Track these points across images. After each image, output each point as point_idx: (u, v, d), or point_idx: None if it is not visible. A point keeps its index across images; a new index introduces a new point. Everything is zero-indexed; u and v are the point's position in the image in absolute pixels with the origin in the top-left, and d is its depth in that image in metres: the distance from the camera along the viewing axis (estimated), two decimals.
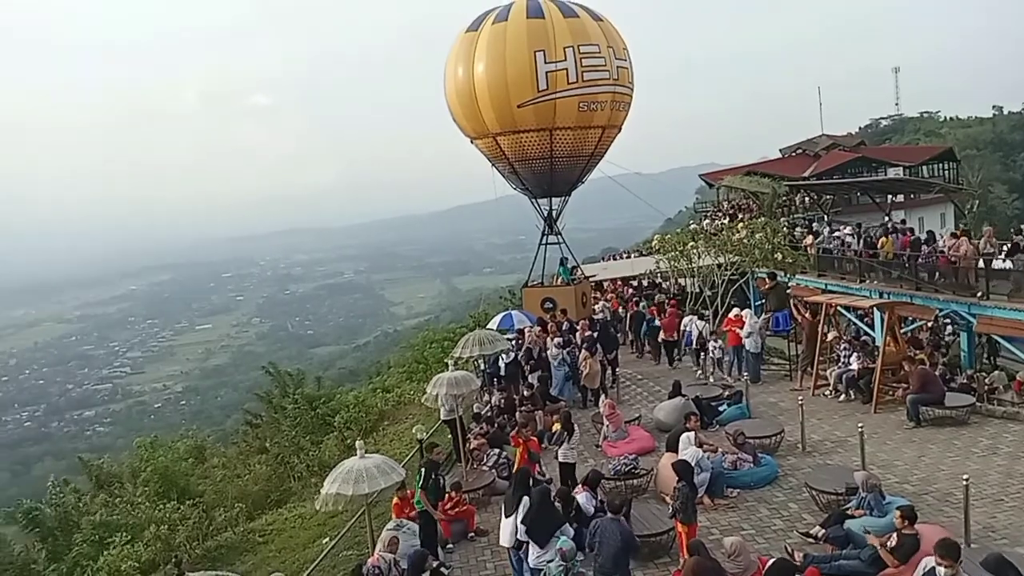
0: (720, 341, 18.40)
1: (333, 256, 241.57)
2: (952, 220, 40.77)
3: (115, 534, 17.64)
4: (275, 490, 22.04)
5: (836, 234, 25.91)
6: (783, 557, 8.19)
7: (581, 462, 12.94)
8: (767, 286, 21.92)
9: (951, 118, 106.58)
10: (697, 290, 25.53)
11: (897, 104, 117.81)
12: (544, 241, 25.45)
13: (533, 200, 25.29)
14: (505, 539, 9.95)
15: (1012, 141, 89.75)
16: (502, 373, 18.27)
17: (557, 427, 12.39)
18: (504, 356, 18.14)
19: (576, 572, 8.46)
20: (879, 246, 22.36)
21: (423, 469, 10.98)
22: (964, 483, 9.46)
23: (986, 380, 17.63)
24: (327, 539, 13.52)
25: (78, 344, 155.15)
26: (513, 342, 18.95)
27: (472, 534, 11.54)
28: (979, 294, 17.93)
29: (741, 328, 18.20)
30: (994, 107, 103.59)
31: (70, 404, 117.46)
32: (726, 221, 33.03)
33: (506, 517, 9.94)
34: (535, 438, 12.74)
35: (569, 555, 8.40)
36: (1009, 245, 18.61)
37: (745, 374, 17.28)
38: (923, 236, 21.71)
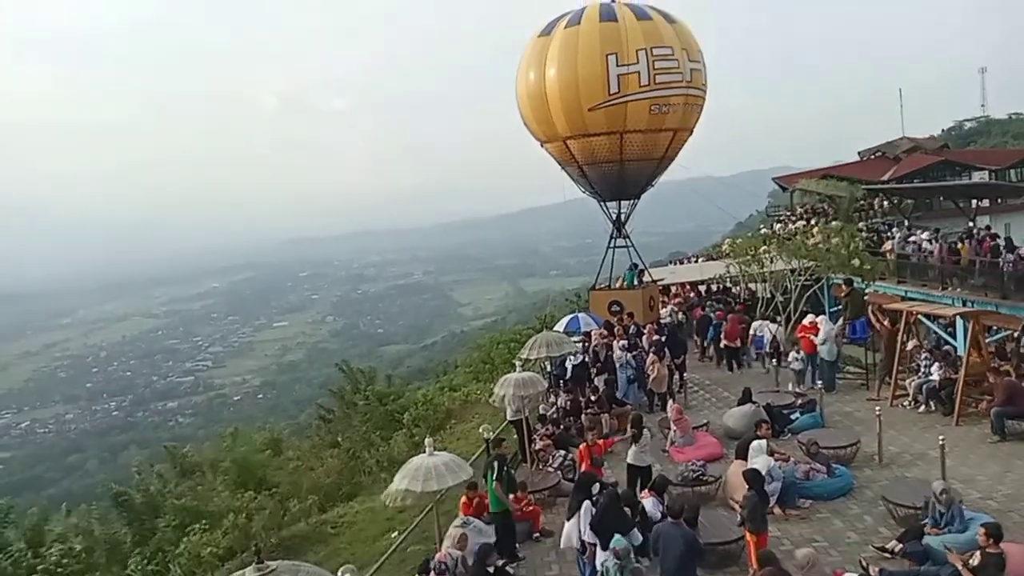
0: (801, 352, 17.82)
1: (404, 257, 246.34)
2: None
3: (196, 521, 18.45)
4: (346, 483, 22.61)
5: (912, 239, 24.94)
6: (861, 574, 7.96)
7: (646, 463, 12.84)
8: (843, 293, 21.27)
9: None
10: (769, 295, 24.98)
11: (983, 106, 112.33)
12: (612, 244, 25.37)
13: (602, 203, 25.24)
14: (566, 541, 10.09)
15: None
16: (568, 375, 18.32)
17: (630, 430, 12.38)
18: (571, 358, 18.19)
19: (632, 569, 8.47)
20: (958, 250, 21.40)
21: (494, 462, 11.11)
22: None
23: None
24: (396, 533, 13.83)
25: (164, 338, 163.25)
26: (580, 344, 18.98)
27: (537, 535, 11.61)
28: None
29: (815, 335, 17.75)
30: None
31: (155, 395, 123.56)
32: (800, 225, 32.22)
33: (568, 520, 10.07)
34: (600, 442, 12.71)
35: (623, 554, 8.45)
36: None
37: (819, 382, 16.85)
38: (1002, 242, 20.72)
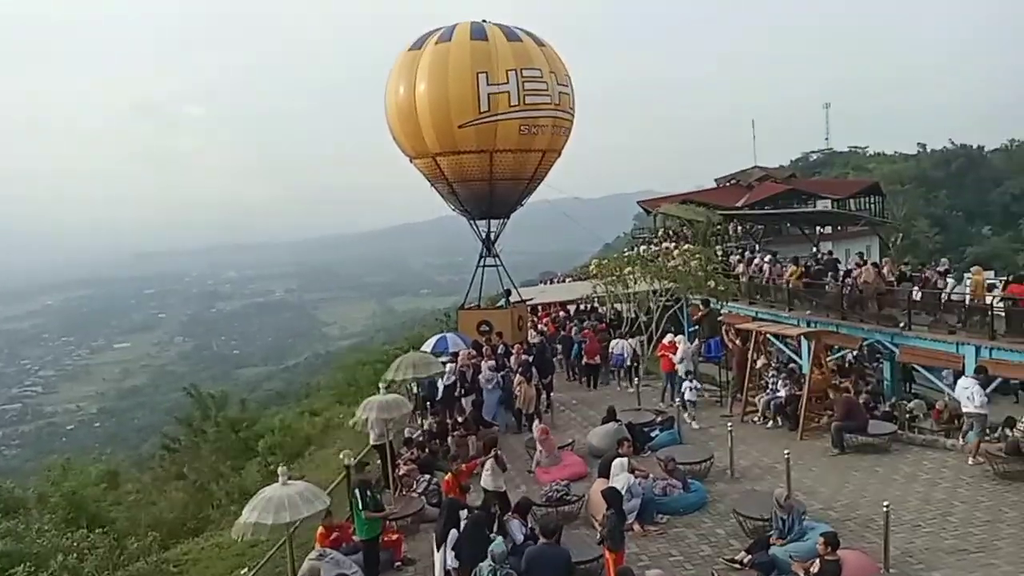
0: (695, 381, 17.85)
1: (264, 274, 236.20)
2: (877, 252, 42.40)
3: (16, 564, 16.47)
4: (192, 518, 21.14)
5: (755, 263, 26.67)
6: None
7: (513, 488, 12.72)
8: (700, 313, 22.34)
9: (878, 153, 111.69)
10: (633, 315, 25.80)
11: (827, 139, 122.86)
12: (481, 263, 25.35)
13: (471, 222, 25.20)
14: (438, 572, 9.78)
15: (934, 178, 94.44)
16: (438, 396, 17.99)
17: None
18: (443, 379, 17.86)
19: (506, 573, 8.29)
20: (788, 274, 23.12)
21: (356, 490, 10.60)
22: (884, 509, 9.66)
23: (907, 408, 18.22)
24: (245, 570, 12.92)
25: None
26: (448, 365, 18.68)
27: (399, 563, 11.18)
28: (901, 324, 18.56)
29: (674, 354, 18.38)
30: (918, 144, 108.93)
31: None
32: (662, 248, 33.60)
33: (437, 550, 9.76)
34: (464, 467, 12.41)
35: (499, 557, 8.28)
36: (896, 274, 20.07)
37: (677, 400, 17.43)
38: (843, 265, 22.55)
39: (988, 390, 14.61)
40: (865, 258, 23.53)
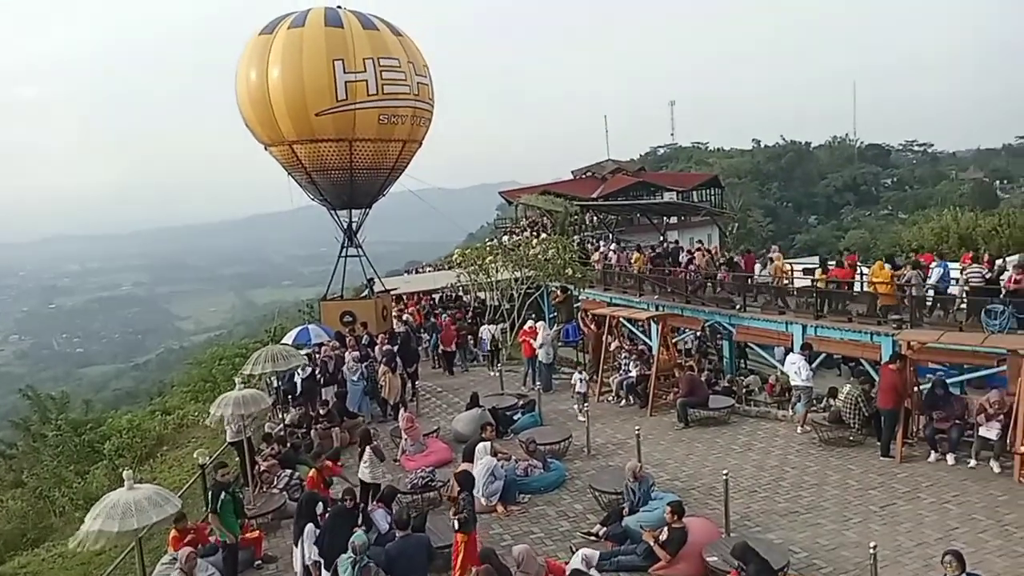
0: (584, 374, 17.55)
1: (110, 266, 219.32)
2: (717, 240, 45.45)
3: None
4: (32, 528, 19.57)
5: (601, 250, 28.13)
6: (578, 569, 8.58)
7: (379, 478, 12.75)
8: (558, 299, 23.19)
9: (718, 149, 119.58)
10: (496, 303, 26.32)
11: (672, 134, 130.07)
12: (344, 254, 24.95)
13: (332, 212, 24.73)
14: (298, 568, 9.70)
15: (767, 171, 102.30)
16: (298, 390, 17.63)
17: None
18: (300, 372, 17.50)
19: (366, 566, 8.38)
20: (632, 261, 24.78)
21: (211, 492, 10.28)
22: (724, 477, 10.53)
23: (744, 383, 19.81)
24: None
25: None
26: (310, 357, 18.35)
27: (259, 562, 10.95)
28: (737, 307, 20.15)
29: (535, 339, 18.98)
30: (753, 140, 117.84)
31: None
32: (523, 237, 34.39)
33: (295, 546, 9.68)
34: (329, 463, 12.23)
35: (360, 548, 8.33)
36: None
37: (538, 384, 18.03)
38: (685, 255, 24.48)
39: (814, 365, 16.19)
40: (698, 246, 25.51)
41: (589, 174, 55.87)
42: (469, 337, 24.14)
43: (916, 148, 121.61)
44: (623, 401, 17.49)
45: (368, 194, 24.21)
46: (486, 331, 22.22)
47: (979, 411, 12.12)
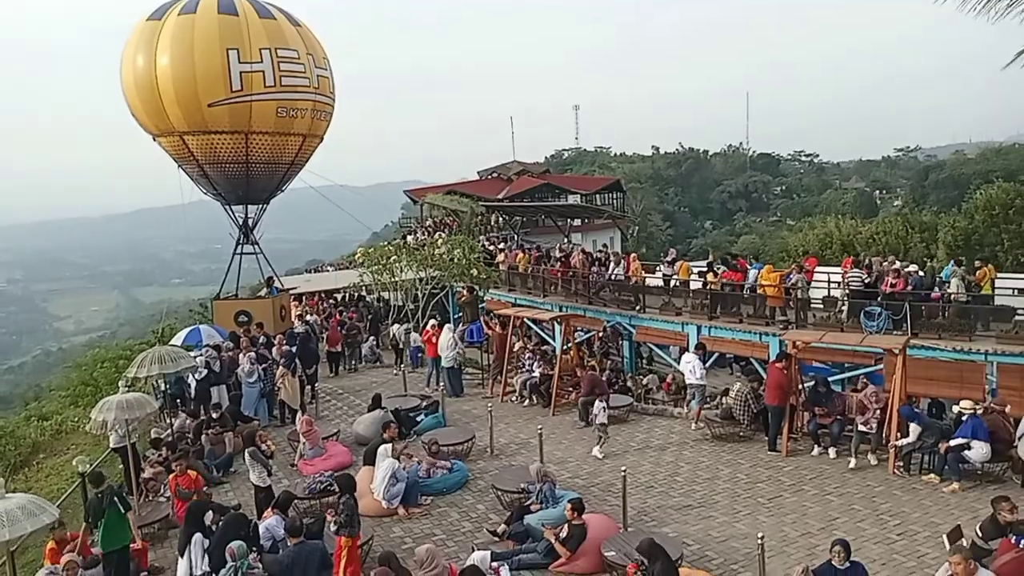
0: (604, 402, 14.61)
1: None
2: (619, 243, 46.65)
3: None
4: None
5: (489, 248, 29.09)
6: (473, 565, 8.52)
7: (275, 483, 12.31)
8: (464, 299, 23.14)
9: (620, 154, 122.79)
10: (400, 303, 25.99)
11: (577, 138, 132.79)
12: (239, 251, 24.00)
13: (227, 207, 23.72)
14: None
15: (667, 177, 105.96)
16: (191, 393, 16.80)
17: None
18: (194, 375, 16.67)
19: (248, 571, 8.07)
20: (516, 260, 25.75)
21: (99, 497, 9.59)
22: (622, 474, 10.75)
23: (643, 382, 20.34)
24: None
25: None
26: (204, 359, 17.49)
27: (145, 573, 10.34)
28: (637, 308, 20.69)
29: (436, 340, 18.83)
30: (653, 147, 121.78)
31: None
32: (428, 237, 34.18)
33: (180, 556, 9.19)
34: (193, 471, 11.55)
35: (239, 553, 8.01)
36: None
37: (441, 385, 17.91)
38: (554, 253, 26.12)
39: (707, 364, 16.82)
40: (570, 247, 26.89)
41: (495, 175, 56.17)
42: (370, 337, 23.82)
43: (803, 158, 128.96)
44: (526, 401, 17.61)
45: (265, 189, 23.35)
46: (397, 330, 22.01)
47: (858, 408, 12.90)
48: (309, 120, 22.39)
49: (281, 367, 16.88)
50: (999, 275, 18.69)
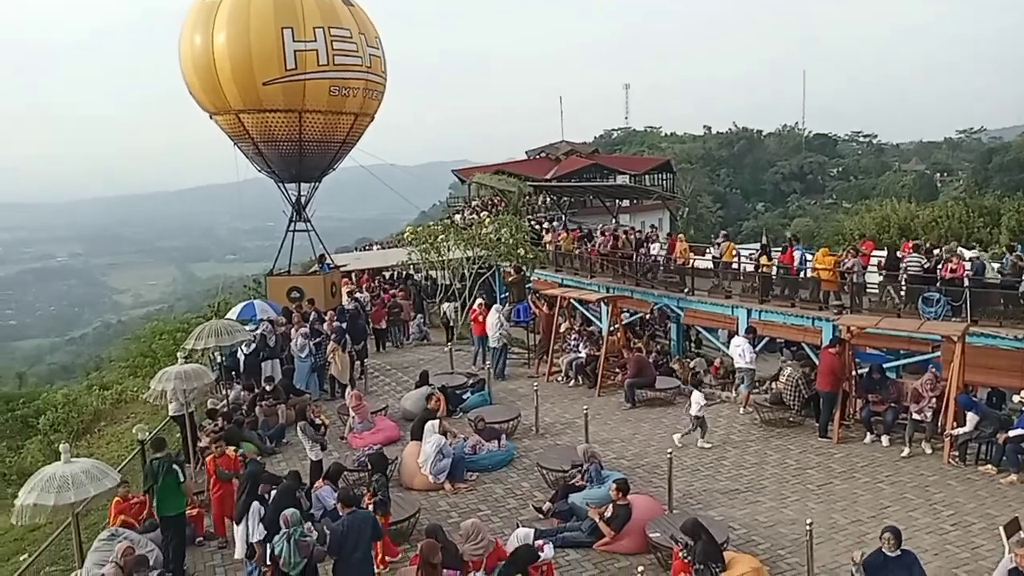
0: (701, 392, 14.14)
1: (41, 236, 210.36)
2: (668, 225, 46.05)
3: None
4: None
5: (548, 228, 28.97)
6: (526, 544, 8.63)
7: (326, 456, 12.60)
8: (511, 278, 23.22)
9: (670, 134, 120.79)
10: (448, 282, 26.20)
11: (627, 118, 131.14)
12: (292, 228, 24.44)
13: (280, 184, 24.14)
14: (239, 550, 9.53)
15: (718, 157, 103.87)
16: (242, 367, 17.28)
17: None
18: (244, 348, 17.13)
19: (301, 539, 8.28)
20: (560, 238, 26.26)
21: (167, 462, 9.98)
22: (668, 456, 10.73)
23: (690, 365, 20.16)
24: (25, 555, 11.82)
25: None
26: (261, 332, 17.94)
27: (201, 538, 10.75)
28: (686, 290, 20.46)
29: (483, 319, 18.94)
30: (704, 127, 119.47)
31: None
32: (475, 217, 34.29)
33: (236, 524, 9.50)
34: (231, 452, 11.51)
35: (292, 520, 8.24)
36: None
37: (487, 363, 18.04)
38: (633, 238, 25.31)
39: (757, 348, 16.58)
40: (608, 228, 26.78)
41: (543, 155, 55.93)
42: (417, 315, 24.05)
43: (861, 139, 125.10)
44: (572, 381, 17.64)
45: (318, 167, 23.69)
46: (448, 308, 22.51)
47: (913, 395, 12.59)
48: (361, 99, 22.58)
49: (332, 342, 17.22)
50: None
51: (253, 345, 17.20)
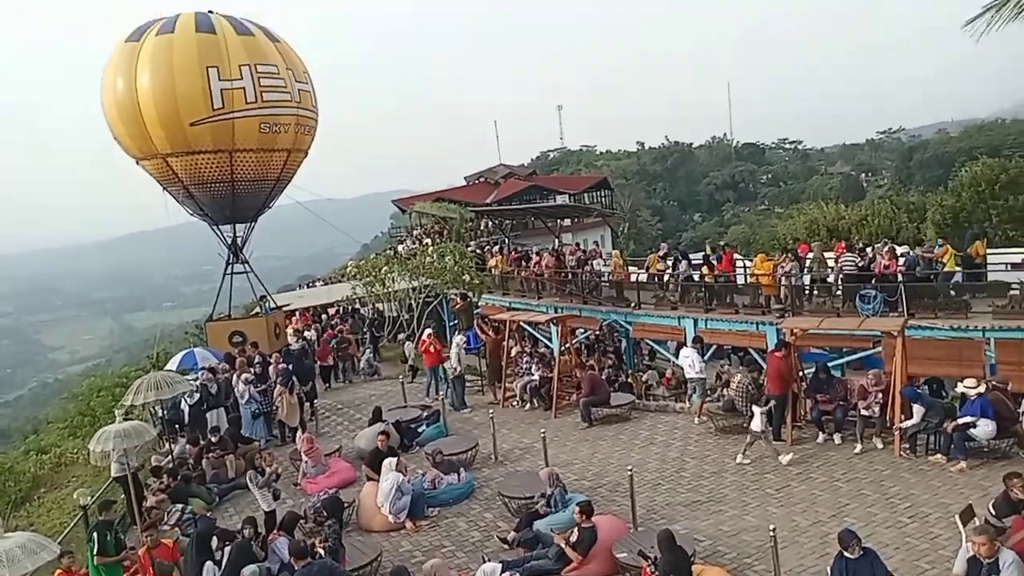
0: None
1: None
2: (609, 241, 46.63)
3: None
4: None
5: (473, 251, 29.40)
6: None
7: (279, 505, 12.17)
8: (458, 306, 23.06)
9: (606, 151, 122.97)
10: (395, 313, 25.89)
11: (562, 138, 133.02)
12: (230, 271, 23.86)
13: (215, 227, 23.59)
14: None
15: (653, 172, 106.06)
16: (186, 419, 16.65)
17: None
18: (187, 399, 16.53)
19: None
20: (493, 263, 26.50)
21: (94, 532, 9.49)
22: (629, 473, 10.66)
23: (643, 379, 20.29)
24: None
25: None
26: (201, 382, 17.34)
27: None
28: (632, 304, 20.63)
29: (435, 349, 18.72)
30: (638, 142, 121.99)
31: None
32: (418, 246, 34.09)
33: None
34: (168, 542, 10.52)
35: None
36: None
37: (441, 394, 17.79)
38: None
39: (706, 357, 16.76)
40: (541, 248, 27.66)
41: (482, 179, 56.13)
42: (367, 349, 23.67)
43: (788, 146, 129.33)
44: (527, 405, 17.51)
45: (252, 207, 23.24)
46: (409, 347, 22.19)
47: (859, 392, 12.86)
48: (293, 135, 22.30)
49: (279, 385, 16.74)
50: (990, 251, 18.80)
51: (197, 395, 16.61)
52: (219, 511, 12.98)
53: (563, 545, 9.48)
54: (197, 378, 17.73)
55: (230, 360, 18.67)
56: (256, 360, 18.45)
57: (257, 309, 25.27)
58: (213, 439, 15.00)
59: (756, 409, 12.76)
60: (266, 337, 22.15)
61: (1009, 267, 17.87)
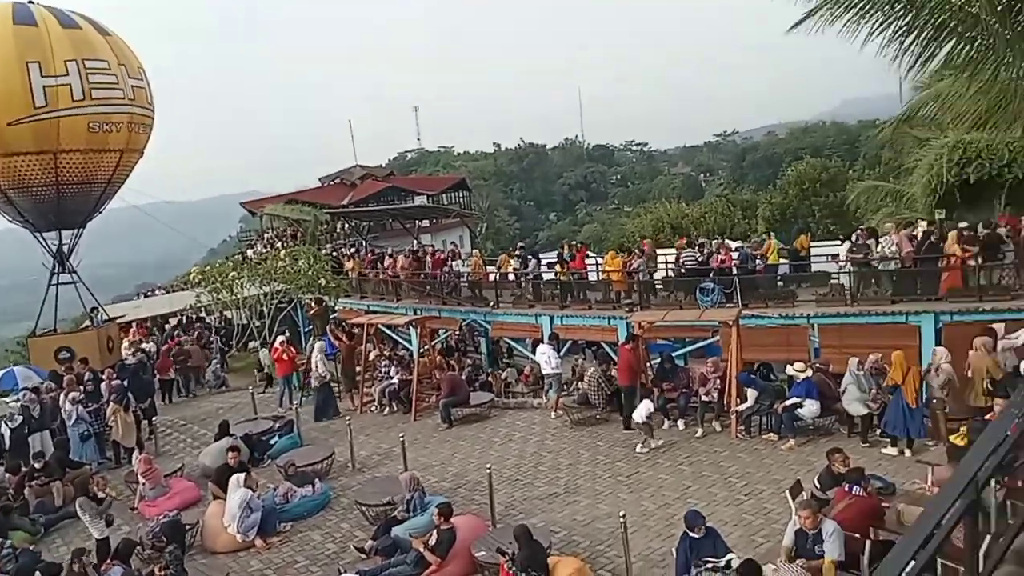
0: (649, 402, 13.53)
1: None
2: (468, 241, 46.91)
3: None
4: None
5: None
6: None
7: (113, 531, 11.25)
8: (314, 311, 22.36)
9: (463, 152, 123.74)
10: (245, 321, 24.69)
11: (419, 139, 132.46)
12: (55, 281, 21.86)
13: (37, 234, 21.55)
14: None
15: (510, 172, 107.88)
16: (6, 445, 15.04)
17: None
18: (8, 423, 14.95)
19: None
20: (348, 268, 26.10)
21: None
22: (488, 471, 10.75)
23: (502, 376, 20.53)
24: None
25: None
26: (21, 404, 15.72)
27: None
28: (491, 303, 20.83)
29: (288, 357, 18.06)
30: (494, 143, 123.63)
31: None
32: (270, 250, 32.72)
33: None
34: None
35: None
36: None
37: (295, 403, 17.17)
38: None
39: (562, 352, 17.21)
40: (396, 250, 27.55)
41: (338, 181, 54.76)
42: (214, 360, 22.49)
43: (634, 148, 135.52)
44: (386, 409, 17.26)
45: (80, 212, 21.42)
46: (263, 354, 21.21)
47: (700, 379, 13.68)
48: (126, 134, 20.77)
49: (112, 404, 15.49)
50: (814, 243, 20.58)
51: (18, 418, 15.05)
52: (45, 543, 11.83)
53: (422, 549, 9.38)
54: (18, 399, 16.11)
55: (56, 378, 17.11)
56: (87, 377, 17.02)
57: (87, 322, 23.32)
58: (37, 465, 13.64)
59: (646, 401, 13.12)
60: (97, 352, 20.50)
61: (830, 258, 19.58)
